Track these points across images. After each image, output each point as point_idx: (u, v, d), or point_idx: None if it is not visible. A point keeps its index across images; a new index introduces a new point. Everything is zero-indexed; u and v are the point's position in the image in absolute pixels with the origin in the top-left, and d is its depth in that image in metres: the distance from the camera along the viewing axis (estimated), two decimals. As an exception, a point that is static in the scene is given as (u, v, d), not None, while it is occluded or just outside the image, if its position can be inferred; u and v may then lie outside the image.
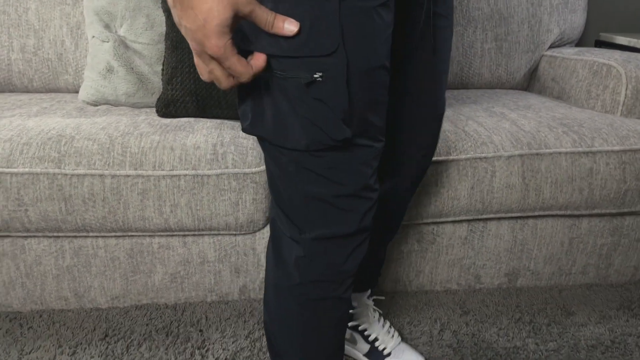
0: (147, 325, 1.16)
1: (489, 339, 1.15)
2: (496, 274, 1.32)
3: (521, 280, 1.34)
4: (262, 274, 1.24)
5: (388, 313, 1.22)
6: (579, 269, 1.35)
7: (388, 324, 1.09)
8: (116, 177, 1.08)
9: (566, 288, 1.35)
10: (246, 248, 1.21)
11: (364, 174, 0.64)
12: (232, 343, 1.11)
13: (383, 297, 1.21)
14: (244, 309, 1.23)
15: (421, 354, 1.09)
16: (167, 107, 1.31)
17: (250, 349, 1.10)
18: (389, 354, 1.05)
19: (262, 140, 0.66)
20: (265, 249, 1.21)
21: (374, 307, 1.09)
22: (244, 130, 0.65)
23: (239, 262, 1.22)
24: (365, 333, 1.07)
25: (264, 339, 1.13)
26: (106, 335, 1.13)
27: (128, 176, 1.08)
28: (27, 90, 1.62)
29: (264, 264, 1.23)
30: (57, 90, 1.62)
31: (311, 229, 0.67)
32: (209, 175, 1.10)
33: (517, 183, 1.18)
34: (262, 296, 1.27)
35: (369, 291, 1.08)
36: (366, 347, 1.07)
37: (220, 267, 1.22)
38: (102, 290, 1.21)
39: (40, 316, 1.19)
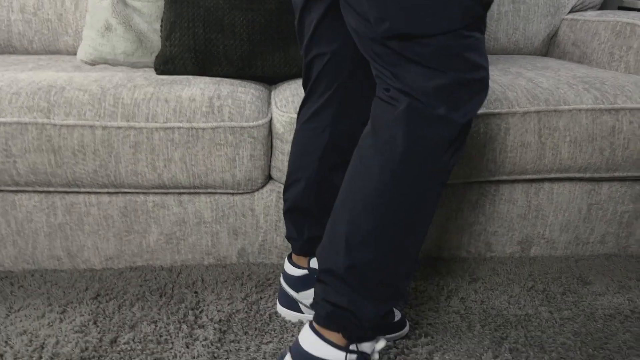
0: (140, 286, 1.12)
1: (499, 306, 1.08)
2: (508, 242, 1.25)
3: (535, 249, 1.27)
4: (261, 237, 1.19)
5: (393, 279, 1.16)
6: (598, 238, 1.27)
7: None
8: (107, 129, 1.03)
9: (583, 258, 1.28)
10: (244, 209, 1.15)
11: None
12: (228, 305, 1.06)
13: None
14: (242, 272, 1.18)
15: (427, 320, 1.03)
16: (166, 64, 1.25)
17: (246, 311, 1.05)
18: None
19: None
20: (264, 211, 1.16)
21: None
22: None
23: (237, 224, 1.17)
24: None
25: (262, 302, 1.08)
26: (98, 295, 1.09)
27: (120, 128, 1.03)
28: (27, 52, 1.58)
29: (263, 226, 1.18)
30: (57, 52, 1.58)
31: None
32: (204, 129, 1.05)
33: (532, 141, 1.11)
34: (261, 260, 1.22)
35: None
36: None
37: (218, 229, 1.17)
38: (96, 250, 1.17)
39: (32, 275, 1.16)
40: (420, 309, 1.07)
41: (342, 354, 0.73)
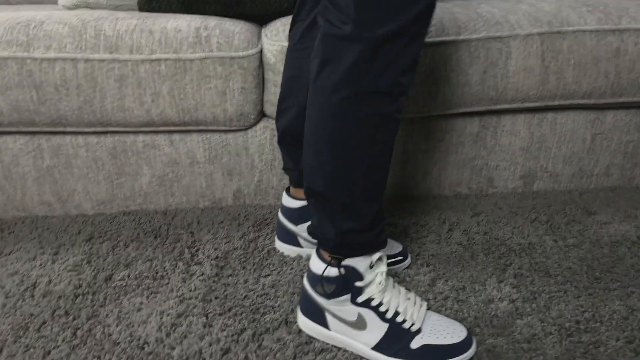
0: (135, 229, 1.09)
1: (502, 237, 1.06)
2: (510, 177, 1.22)
3: (538, 184, 1.24)
4: (257, 177, 1.15)
5: (391, 217, 1.13)
6: (602, 170, 1.24)
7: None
8: (90, 62, 0.98)
9: (587, 191, 1.25)
10: (238, 148, 1.12)
11: None
12: (225, 244, 1.04)
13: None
14: (239, 214, 1.15)
15: (430, 252, 1.00)
16: (150, 3, 1.20)
17: (244, 249, 1.02)
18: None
19: None
20: (259, 150, 1.12)
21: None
22: None
23: (231, 164, 1.13)
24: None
25: (259, 239, 1.05)
26: (91, 238, 1.06)
27: (103, 60, 0.98)
28: (7, 3, 1.52)
29: (259, 166, 1.14)
30: (40, 2, 1.52)
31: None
32: (192, 60, 1.00)
33: (535, 65, 1.06)
34: (257, 201, 1.19)
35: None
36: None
37: (212, 169, 1.13)
38: (87, 195, 1.13)
39: (23, 222, 1.12)
40: (421, 242, 1.04)
41: (324, 265, 0.73)
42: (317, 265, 0.75)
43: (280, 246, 1.01)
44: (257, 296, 0.89)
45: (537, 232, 1.07)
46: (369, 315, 0.74)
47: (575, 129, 1.18)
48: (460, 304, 0.86)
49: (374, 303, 0.73)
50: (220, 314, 0.84)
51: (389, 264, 0.95)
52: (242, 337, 0.79)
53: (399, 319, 0.74)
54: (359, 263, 0.73)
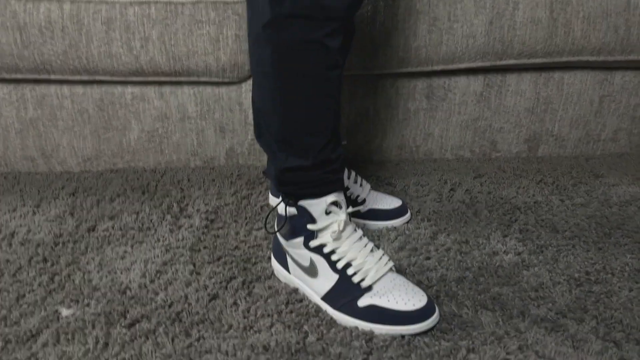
0: (122, 185, 1.04)
1: (507, 196, 1.01)
2: (515, 140, 1.17)
3: (543, 148, 1.19)
4: (251, 135, 1.10)
5: (391, 177, 1.09)
6: (609, 135, 1.19)
7: (354, 173, 0.94)
8: (76, 3, 0.93)
9: (593, 157, 1.20)
10: (231, 102, 1.07)
11: None
12: (216, 200, 0.99)
13: (345, 142, 0.89)
14: (231, 173, 1.10)
15: (431, 209, 0.95)
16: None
17: (235, 204, 0.97)
18: (362, 201, 0.90)
19: None
20: (253, 104, 1.07)
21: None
22: None
23: (223, 120, 1.08)
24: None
25: (252, 196, 1.00)
26: (75, 192, 1.01)
27: (89, 2, 0.93)
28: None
29: (252, 122, 1.09)
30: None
31: None
32: (183, 4, 0.95)
33: (543, 17, 1.02)
34: (251, 162, 1.14)
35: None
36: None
37: (203, 125, 1.08)
38: (72, 150, 1.08)
39: (5, 177, 1.07)
40: (422, 200, 1.00)
41: (282, 205, 0.72)
42: (280, 206, 0.72)
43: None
44: (249, 247, 0.84)
45: (542, 192, 1.03)
46: (320, 262, 0.69)
47: (583, 90, 1.13)
48: (463, 255, 0.81)
49: (325, 250, 0.69)
50: (208, 263, 0.79)
51: (386, 217, 0.90)
52: (232, 284, 0.74)
53: (350, 271, 0.68)
54: (312, 206, 0.69)
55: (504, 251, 0.82)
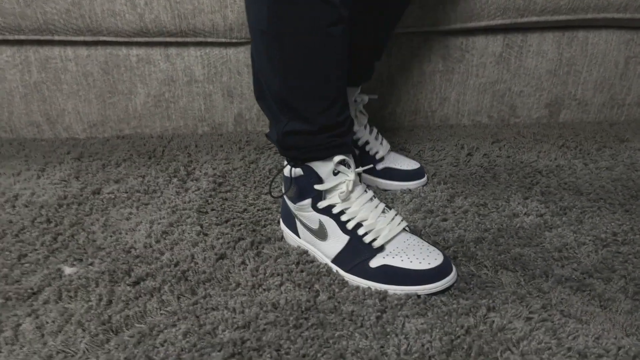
0: (128, 151, 1.01)
1: (527, 160, 0.96)
2: (535, 104, 1.12)
3: (565, 113, 1.14)
4: (260, 99, 1.07)
5: (405, 143, 1.05)
6: (635, 100, 1.14)
7: (376, 130, 0.91)
8: (78, -42, 0.90)
9: (618, 122, 1.15)
10: (239, 65, 1.03)
11: None
12: (225, 164, 0.96)
13: (375, 96, 0.92)
14: (240, 139, 1.06)
15: (447, 172, 0.91)
16: None
17: (244, 168, 0.94)
18: (381, 158, 0.88)
19: None
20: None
21: (362, 110, 0.90)
22: None
23: (231, 83, 1.05)
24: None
25: (260, 161, 0.97)
26: (81, 157, 0.99)
27: (92, -43, 0.90)
28: None
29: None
30: None
31: None
32: (189, -42, 0.91)
33: (567, -30, 0.96)
34: (260, 128, 1.11)
35: (357, 89, 0.88)
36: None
37: (211, 89, 1.05)
38: (78, 115, 1.06)
39: (10, 144, 1.05)
40: (437, 164, 0.96)
41: (288, 167, 0.69)
42: (286, 168, 0.69)
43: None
44: (258, 210, 0.81)
45: (565, 156, 0.98)
46: (329, 224, 0.66)
47: (608, 50, 1.08)
48: (482, 217, 0.78)
49: (335, 211, 0.66)
50: (216, 224, 0.77)
51: (401, 178, 0.87)
52: (240, 245, 0.71)
53: (361, 231, 0.65)
54: (320, 167, 0.66)
55: (525, 213, 0.78)
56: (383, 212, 0.67)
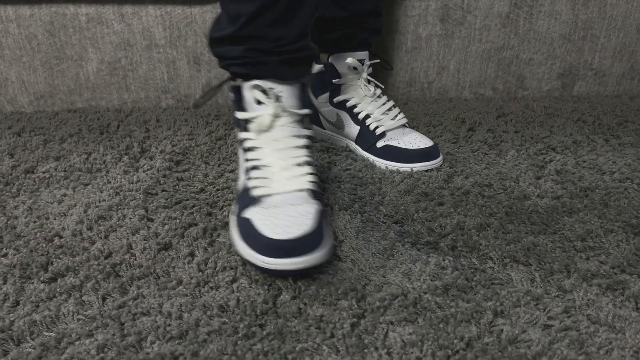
0: (78, 125, 0.88)
1: (538, 135, 0.83)
2: (546, 75, 0.99)
3: (579, 85, 1.01)
4: (231, 67, 0.93)
5: (399, 117, 0.91)
6: (660, 69, 1.00)
7: (391, 103, 0.78)
8: None
9: (639, 96, 1.01)
10: (206, 26, 0.90)
11: None
12: (187, 140, 0.83)
13: (390, 68, 0.89)
14: (209, 113, 0.93)
15: (444, 150, 0.78)
16: None
17: (209, 145, 0.81)
18: (382, 134, 0.75)
19: None
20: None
21: (370, 78, 0.78)
22: None
23: (198, 49, 0.91)
24: (355, 110, 0.77)
25: (230, 137, 0.84)
26: (22, 132, 0.86)
27: None
28: None
29: None
30: None
31: None
32: None
33: None
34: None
35: (365, 53, 0.77)
36: (356, 130, 0.77)
37: (174, 55, 0.91)
38: (22, 86, 0.92)
39: (-56, 117, 0.92)
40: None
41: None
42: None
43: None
44: (217, 190, 0.68)
45: (582, 131, 0.85)
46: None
47: (629, 12, 0.94)
48: (486, 199, 0.64)
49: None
50: (164, 207, 0.64)
51: (402, 159, 0.73)
52: (190, 232, 0.58)
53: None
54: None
55: (538, 195, 0.65)
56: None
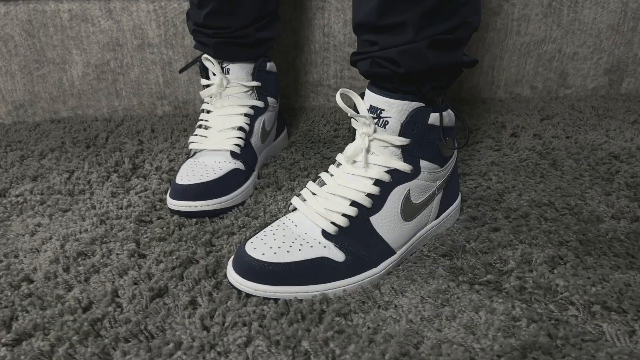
0: (61, 138, 0.77)
1: (595, 141, 0.72)
2: (592, 71, 0.87)
3: (628, 82, 0.89)
4: (236, 69, 0.82)
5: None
6: None
7: None
8: None
9: (698, 93, 0.90)
10: (207, 23, 0.78)
11: None
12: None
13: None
14: (211, 121, 0.82)
15: (488, 160, 0.67)
16: None
17: (211, 159, 0.70)
18: None
19: None
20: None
21: None
22: None
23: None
24: None
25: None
26: (-5, 147, 0.75)
27: None
28: None
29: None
30: None
31: None
32: None
33: None
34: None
35: None
36: None
37: (170, 56, 0.80)
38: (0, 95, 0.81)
39: None
40: (472, 149, 0.71)
41: None
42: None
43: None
44: (235, 211, 0.56)
45: (643, 135, 0.73)
46: None
47: (689, -3, 0.82)
48: (551, 223, 0.53)
49: None
50: (160, 240, 0.52)
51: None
52: (191, 271, 0.47)
53: None
54: None
55: (612, 216, 0.54)
56: None
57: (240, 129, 0.63)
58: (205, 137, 0.63)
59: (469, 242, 0.51)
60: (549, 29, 0.83)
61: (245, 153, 0.62)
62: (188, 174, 0.57)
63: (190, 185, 0.56)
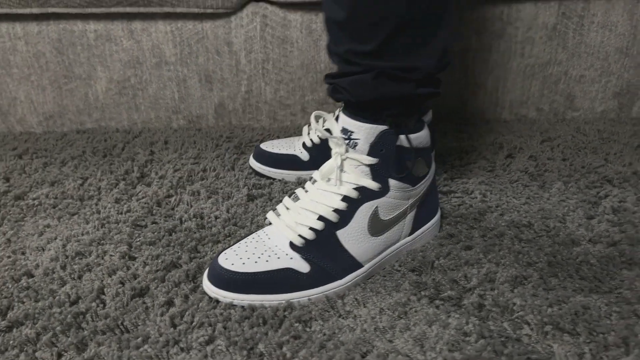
0: (83, 147, 0.83)
1: (591, 164, 0.71)
2: (600, 94, 0.87)
3: (639, 106, 0.88)
4: (245, 85, 0.87)
5: (428, 141, 0.81)
6: None
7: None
8: None
9: None
10: (218, 42, 0.84)
11: None
12: (192, 164, 0.76)
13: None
14: (220, 135, 0.87)
15: (478, 180, 0.68)
16: None
17: (215, 170, 0.74)
18: None
19: None
20: (246, 46, 0.84)
21: None
22: None
23: (210, 66, 0.85)
24: None
25: (240, 162, 0.76)
26: (24, 153, 0.82)
27: None
28: None
29: (246, 69, 0.85)
30: None
31: None
32: None
33: None
34: (247, 122, 0.91)
35: None
36: None
37: (185, 73, 0.86)
38: (31, 105, 0.89)
39: (-45, 138, 0.90)
40: (466, 169, 0.72)
41: None
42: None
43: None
44: (223, 220, 0.60)
45: (644, 160, 0.72)
46: None
47: (703, 21, 0.81)
48: (524, 244, 0.54)
49: None
50: (150, 243, 0.57)
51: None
52: (172, 274, 0.51)
53: None
54: None
55: (590, 239, 0.54)
56: None
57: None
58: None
59: (438, 259, 0.52)
60: (553, 51, 0.83)
61: None
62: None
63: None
